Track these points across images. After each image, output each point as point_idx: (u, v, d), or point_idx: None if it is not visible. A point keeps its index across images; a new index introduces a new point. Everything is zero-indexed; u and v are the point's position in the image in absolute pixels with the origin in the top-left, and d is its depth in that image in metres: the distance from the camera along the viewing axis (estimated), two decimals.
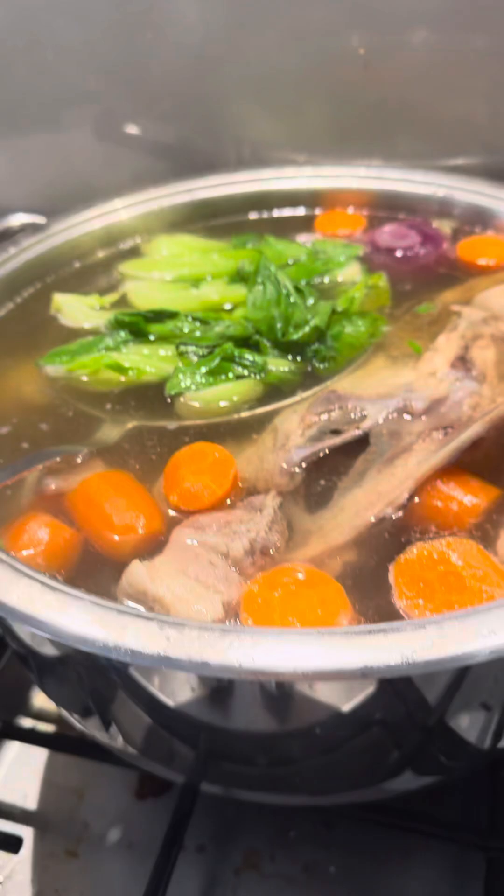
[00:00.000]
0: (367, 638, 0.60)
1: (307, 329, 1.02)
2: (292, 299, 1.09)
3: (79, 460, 0.90)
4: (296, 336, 1.02)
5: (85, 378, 1.03)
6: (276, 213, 1.39)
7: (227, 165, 1.43)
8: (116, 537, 0.80)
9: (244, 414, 0.96)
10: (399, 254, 1.24)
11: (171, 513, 0.83)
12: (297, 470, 0.86)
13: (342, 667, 0.59)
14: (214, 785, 0.92)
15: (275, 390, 1.00)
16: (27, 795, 1.25)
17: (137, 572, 0.73)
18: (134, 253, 1.32)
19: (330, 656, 0.60)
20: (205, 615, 0.69)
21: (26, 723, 1.29)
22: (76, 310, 1.14)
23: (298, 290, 1.11)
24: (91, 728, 0.92)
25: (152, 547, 0.80)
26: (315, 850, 1.00)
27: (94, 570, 0.79)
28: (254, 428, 0.95)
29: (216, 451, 0.86)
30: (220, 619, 0.70)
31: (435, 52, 1.31)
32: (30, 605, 0.65)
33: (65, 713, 1.01)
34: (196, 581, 0.73)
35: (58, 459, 0.88)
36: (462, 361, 0.99)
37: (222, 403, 0.97)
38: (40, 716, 1.25)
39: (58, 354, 1.06)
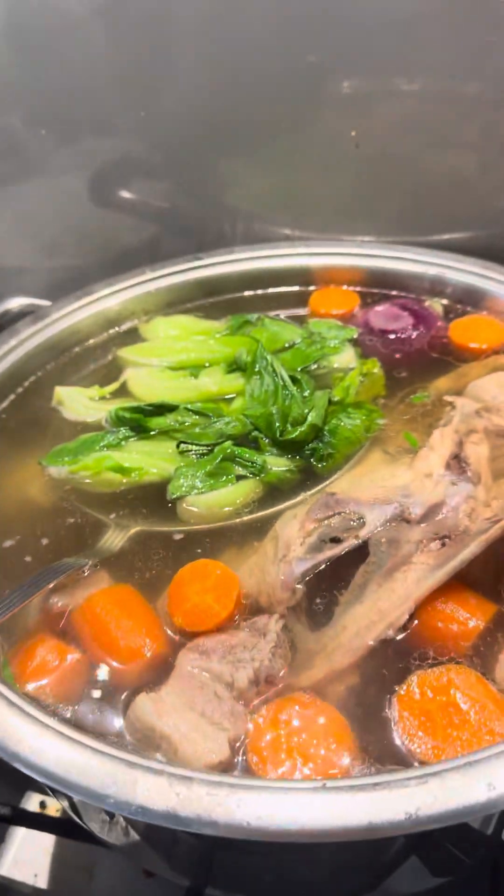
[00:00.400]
0: (372, 794, 0.62)
1: (304, 427, 1.04)
2: (288, 392, 1.11)
3: (84, 573, 0.92)
4: (293, 435, 1.04)
5: (88, 479, 1.04)
6: (271, 290, 1.41)
7: (223, 242, 1.44)
8: (123, 663, 0.81)
9: (245, 518, 0.98)
10: (392, 336, 1.26)
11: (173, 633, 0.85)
12: (298, 585, 0.88)
13: (347, 824, 0.61)
14: (218, 890, 0.94)
15: (275, 490, 1.02)
16: (38, 875, 1.27)
17: (145, 708, 0.75)
18: (132, 335, 1.34)
19: (335, 814, 0.61)
20: (212, 758, 0.71)
21: (34, 801, 1.31)
22: (78, 403, 1.15)
23: (295, 380, 1.13)
24: (100, 833, 0.94)
25: (158, 670, 0.81)
26: None
27: (101, 696, 0.80)
28: (256, 531, 0.97)
29: (218, 568, 0.88)
30: (227, 759, 0.71)
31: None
32: (40, 757, 0.67)
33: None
34: (202, 717, 0.75)
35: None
36: (457, 460, 1.00)
37: (225, 508, 0.99)
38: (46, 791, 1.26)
39: (60, 454, 1.08)
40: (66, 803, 0.96)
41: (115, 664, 0.82)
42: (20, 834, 1.28)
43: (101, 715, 0.78)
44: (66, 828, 1.19)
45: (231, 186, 1.48)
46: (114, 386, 1.20)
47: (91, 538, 0.98)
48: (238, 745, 0.73)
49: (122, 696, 0.79)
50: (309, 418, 1.06)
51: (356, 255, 1.39)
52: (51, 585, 0.88)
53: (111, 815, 0.83)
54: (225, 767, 0.71)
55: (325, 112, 1.35)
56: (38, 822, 1.20)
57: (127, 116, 1.41)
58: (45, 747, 0.68)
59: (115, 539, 0.97)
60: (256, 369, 1.15)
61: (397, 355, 1.23)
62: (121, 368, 1.26)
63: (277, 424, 1.05)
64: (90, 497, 1.04)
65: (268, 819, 0.61)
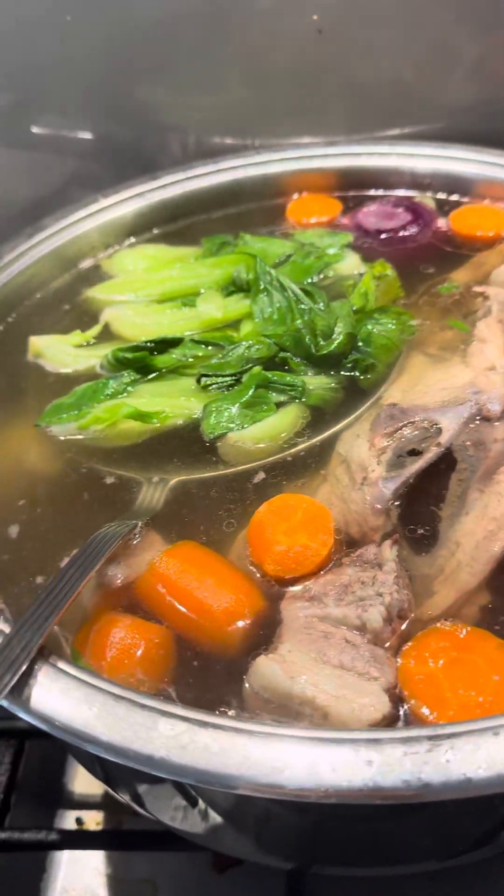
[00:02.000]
0: None
1: (341, 338, 0.91)
2: (305, 305, 0.97)
3: (135, 538, 0.76)
4: (331, 348, 0.91)
5: (101, 434, 0.88)
6: (242, 206, 1.26)
7: (174, 162, 1.27)
8: (222, 628, 0.67)
9: (301, 446, 0.85)
10: (392, 235, 1.15)
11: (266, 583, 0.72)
12: (392, 507, 0.76)
13: None
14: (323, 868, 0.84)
15: (320, 412, 0.89)
16: None
17: (271, 672, 0.62)
18: (95, 273, 1.16)
19: None
20: (375, 714, 0.59)
21: (69, 819, 1.15)
22: (61, 352, 0.98)
23: (307, 293, 1.00)
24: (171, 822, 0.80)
25: (260, 630, 0.68)
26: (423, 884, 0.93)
27: (200, 674, 0.66)
28: (313, 462, 0.84)
29: (303, 502, 0.75)
30: (391, 712, 0.59)
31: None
32: (190, 756, 0.53)
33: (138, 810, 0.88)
34: (342, 669, 0.63)
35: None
36: None
37: (274, 441, 0.85)
38: (83, 804, 1.11)
39: (57, 411, 0.91)
40: (126, 797, 0.81)
41: (210, 629, 0.68)
42: (63, 858, 1.12)
43: (205, 691, 0.64)
44: (114, 839, 1.05)
45: (172, 105, 1.32)
46: (96, 329, 1.03)
47: (122, 501, 0.82)
48: (393, 691, 0.61)
49: (227, 667, 0.66)
50: (339, 328, 0.93)
51: (328, 157, 1.26)
52: (104, 559, 0.72)
53: (192, 801, 0.70)
54: (389, 722, 0.59)
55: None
56: (83, 839, 1.05)
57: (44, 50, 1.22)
58: (184, 736, 0.53)
59: (153, 496, 0.82)
60: (261, 287, 1.01)
61: (402, 254, 1.12)
62: (94, 311, 1.08)
63: (308, 340, 0.92)
64: (107, 454, 0.87)
65: (494, 766, 0.50)
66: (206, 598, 0.68)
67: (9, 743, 1.04)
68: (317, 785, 0.51)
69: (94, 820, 1.14)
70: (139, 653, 0.65)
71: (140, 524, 0.77)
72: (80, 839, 1.04)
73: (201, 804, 0.69)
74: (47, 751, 1.11)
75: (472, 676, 0.61)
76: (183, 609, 0.69)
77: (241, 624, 0.67)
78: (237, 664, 0.66)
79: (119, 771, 0.72)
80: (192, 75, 1.31)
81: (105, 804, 1.08)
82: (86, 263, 1.17)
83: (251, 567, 0.73)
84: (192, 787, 0.64)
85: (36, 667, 0.59)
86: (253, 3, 1.23)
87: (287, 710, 0.61)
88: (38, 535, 0.80)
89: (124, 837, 1.04)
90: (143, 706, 0.56)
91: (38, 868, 1.05)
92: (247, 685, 0.63)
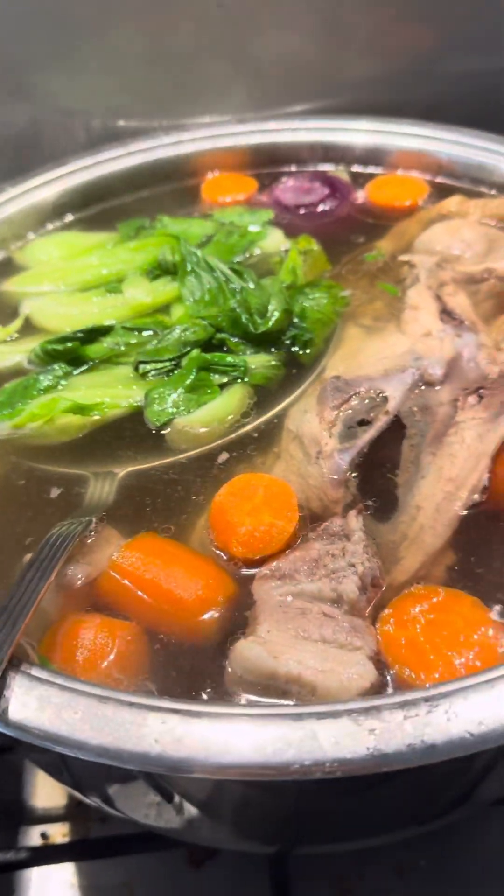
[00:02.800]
0: None
1: (278, 314, 0.90)
2: (235, 285, 0.96)
3: (91, 535, 0.73)
4: (269, 325, 0.90)
5: (39, 431, 0.84)
6: (155, 189, 1.22)
7: (80, 148, 1.23)
8: (195, 616, 0.65)
9: (248, 427, 0.84)
10: (311, 210, 1.14)
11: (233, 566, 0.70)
12: (350, 478, 0.76)
13: None
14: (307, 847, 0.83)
15: (264, 391, 0.88)
16: None
17: (254, 654, 0.60)
18: (9, 266, 1.10)
19: None
20: (362, 682, 0.58)
21: (34, 834, 1.11)
22: None
23: (236, 272, 0.98)
24: (158, 822, 0.78)
25: (234, 614, 0.67)
26: (396, 851, 0.94)
27: (177, 666, 0.64)
28: (263, 440, 0.83)
29: (264, 480, 0.74)
30: (377, 679, 0.59)
31: None
32: (187, 748, 0.51)
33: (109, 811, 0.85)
34: (325, 643, 0.62)
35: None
36: (446, 314, 0.92)
37: (221, 422, 0.83)
38: (46, 817, 1.07)
39: None
40: (97, 800, 0.78)
41: (182, 620, 0.66)
42: (33, 875, 1.08)
43: (191, 682, 0.62)
44: (84, 849, 1.02)
45: (71, 89, 1.27)
46: (17, 322, 0.98)
47: (70, 499, 0.79)
48: (377, 659, 0.61)
49: (205, 655, 0.64)
50: (272, 306, 0.92)
51: (239, 134, 1.24)
52: (62, 560, 0.68)
53: (168, 796, 0.68)
54: (377, 690, 0.59)
55: None
56: (52, 854, 1.01)
57: None
58: (176, 728, 0.51)
59: (102, 490, 0.79)
60: (189, 268, 0.99)
61: (324, 227, 1.12)
62: (11, 305, 1.03)
63: (245, 319, 0.91)
64: (48, 451, 0.83)
65: (495, 719, 0.50)
66: (175, 588, 0.66)
67: None
68: (322, 759, 0.50)
69: (59, 832, 1.09)
70: (113, 652, 0.62)
71: (94, 520, 0.74)
72: (49, 854, 1.00)
73: (177, 798, 0.67)
74: (2, 767, 1.06)
75: (452, 636, 0.61)
76: (152, 602, 0.66)
77: (214, 610, 0.66)
78: (214, 651, 0.64)
79: (91, 774, 0.70)
80: (89, 58, 1.26)
81: (69, 815, 1.04)
82: None
83: (217, 552, 0.71)
84: (168, 780, 0.62)
85: (8, 678, 0.56)
86: None
87: (272, 691, 0.60)
88: None
89: (94, 846, 1.01)
90: (130, 704, 0.53)
91: (6, 890, 1.01)
92: (229, 670, 0.62)
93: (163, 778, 0.63)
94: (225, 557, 0.71)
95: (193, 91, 1.30)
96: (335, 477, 0.76)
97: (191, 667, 0.63)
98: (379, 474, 0.78)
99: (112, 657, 0.62)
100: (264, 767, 0.50)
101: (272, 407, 0.86)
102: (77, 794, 0.82)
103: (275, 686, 0.60)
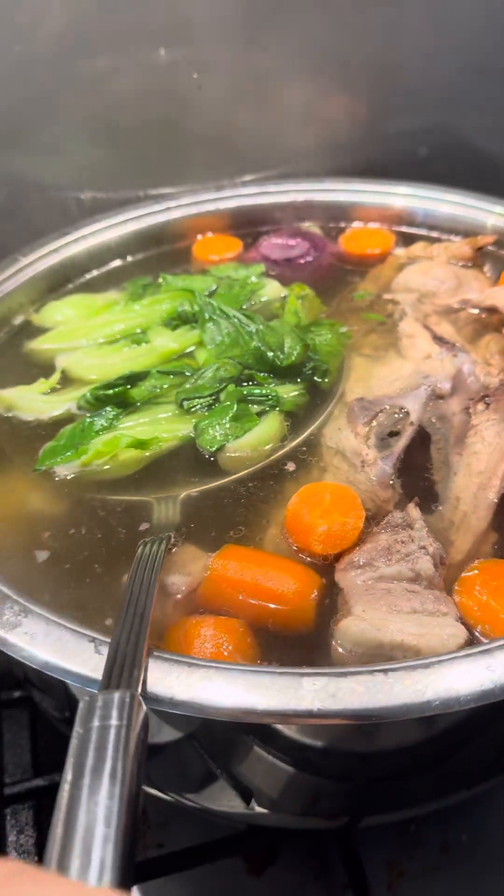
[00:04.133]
0: None
1: (298, 349, 1.03)
2: (251, 328, 1.08)
3: (173, 549, 0.81)
4: (292, 359, 1.02)
5: (105, 467, 0.92)
6: (149, 252, 1.34)
7: (68, 221, 1.33)
8: (296, 607, 0.74)
9: (289, 447, 0.94)
10: (296, 262, 1.28)
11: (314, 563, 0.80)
12: (394, 480, 0.88)
13: None
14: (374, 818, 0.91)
15: (294, 416, 0.99)
16: None
17: (360, 629, 0.70)
18: (30, 328, 1.18)
19: None
20: (458, 639, 0.69)
21: None
22: (34, 401, 1.00)
23: (248, 317, 1.10)
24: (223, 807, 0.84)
25: (325, 601, 0.76)
26: (441, 830, 1.02)
27: (287, 652, 0.72)
28: (303, 457, 0.94)
29: (328, 487, 0.84)
30: (468, 636, 0.70)
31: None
32: (343, 701, 0.59)
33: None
34: (417, 613, 0.72)
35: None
36: (438, 339, 1.07)
37: (267, 446, 0.94)
38: None
39: (52, 453, 0.93)
40: (175, 794, 0.84)
41: (284, 613, 0.74)
42: None
43: (303, 664, 0.71)
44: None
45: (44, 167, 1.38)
46: (56, 376, 1.06)
47: (136, 526, 0.87)
48: (462, 621, 0.72)
49: (307, 640, 0.73)
50: (288, 342, 1.05)
51: (219, 200, 1.38)
52: (160, 569, 0.76)
53: (240, 784, 0.75)
54: (469, 645, 0.70)
55: None
56: None
57: None
58: (336, 689, 0.60)
59: (168, 512, 0.87)
60: (207, 317, 1.10)
61: (310, 276, 1.26)
62: (41, 362, 1.11)
63: (271, 355, 1.02)
64: (115, 484, 0.91)
65: None
66: (273, 585, 0.75)
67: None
68: (458, 696, 0.60)
69: None
70: (233, 642, 0.71)
71: (173, 535, 0.82)
72: None
73: (256, 777, 0.75)
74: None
75: None
76: (255, 600, 0.75)
77: (311, 599, 0.75)
78: (315, 635, 0.73)
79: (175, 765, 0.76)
80: (58, 138, 1.38)
81: None
82: (17, 320, 1.19)
83: (297, 553, 0.81)
84: (262, 747, 0.70)
85: (164, 668, 0.63)
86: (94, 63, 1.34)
87: (377, 660, 0.69)
88: (79, 566, 0.82)
89: (144, 867, 0.99)
90: (282, 673, 0.61)
91: None
92: (338, 648, 0.71)
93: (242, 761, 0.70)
94: (307, 556, 0.80)
95: (156, 166, 1.44)
96: (380, 479, 0.87)
97: (299, 652, 0.72)
98: (417, 476, 0.90)
99: (231, 647, 0.71)
100: (422, 705, 0.59)
101: (306, 428, 0.97)
102: (155, 792, 0.87)
103: (381, 654, 0.69)
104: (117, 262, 1.32)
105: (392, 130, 1.56)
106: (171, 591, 0.77)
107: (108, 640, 0.64)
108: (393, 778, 0.81)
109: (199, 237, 1.37)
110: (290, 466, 0.92)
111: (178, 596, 0.77)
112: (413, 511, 0.81)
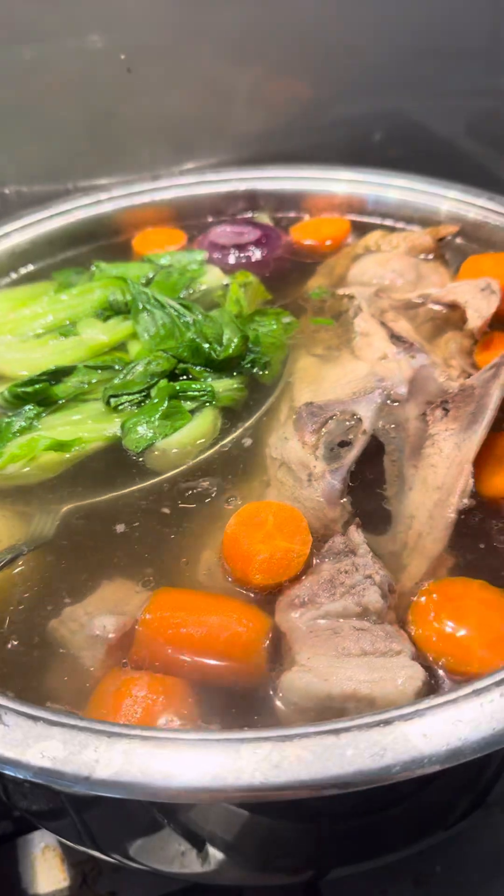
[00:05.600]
0: None
1: (236, 341, 0.93)
2: (188, 318, 0.98)
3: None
4: (230, 352, 0.93)
5: (24, 471, 0.81)
6: (84, 248, 1.23)
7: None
8: (245, 662, 0.65)
9: (224, 442, 0.86)
10: (246, 250, 1.18)
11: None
12: (344, 499, 0.79)
13: None
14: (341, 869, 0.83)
15: (231, 412, 0.91)
16: None
17: (305, 682, 0.61)
18: None
19: None
20: (415, 683, 0.60)
21: None
22: None
23: (185, 306, 1.00)
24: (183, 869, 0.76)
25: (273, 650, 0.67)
26: (413, 861, 0.96)
27: (227, 707, 0.63)
28: (241, 456, 0.86)
29: (271, 507, 0.75)
30: (426, 677, 0.62)
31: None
32: (287, 772, 0.50)
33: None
34: (367, 656, 0.64)
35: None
36: (394, 338, 0.99)
37: (198, 442, 0.86)
38: None
39: None
40: (118, 856, 0.75)
41: (228, 669, 0.65)
42: None
43: (244, 721, 0.62)
44: None
45: None
46: None
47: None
48: (418, 658, 0.64)
49: (248, 692, 0.64)
50: (227, 334, 0.95)
51: (157, 190, 1.27)
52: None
53: (196, 840, 0.67)
54: (430, 688, 0.62)
55: None
56: None
57: None
58: (280, 758, 0.51)
59: (44, 525, 0.78)
60: (140, 307, 0.99)
61: (258, 266, 1.16)
62: None
63: (207, 348, 0.93)
64: (31, 490, 0.81)
65: None
66: (219, 638, 0.65)
67: None
68: (419, 757, 0.51)
69: None
70: (168, 705, 0.61)
71: (25, 551, 0.73)
72: None
73: (205, 837, 0.66)
74: None
75: (484, 620, 0.65)
76: (197, 658, 0.65)
77: (262, 649, 0.65)
78: (260, 687, 0.64)
79: (115, 829, 0.68)
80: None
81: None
82: None
83: (230, 582, 0.72)
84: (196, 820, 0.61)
85: (80, 739, 0.53)
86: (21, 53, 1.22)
87: (330, 713, 0.61)
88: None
89: None
90: (219, 740, 0.52)
91: None
92: (280, 705, 0.62)
93: (190, 820, 0.62)
94: (243, 588, 0.71)
95: (90, 155, 1.32)
96: (328, 496, 0.78)
97: (242, 707, 0.63)
98: (368, 491, 0.81)
99: (166, 710, 0.61)
100: (370, 774, 0.50)
101: (243, 424, 0.89)
102: (98, 854, 0.77)
103: (331, 707, 0.61)
104: (45, 262, 1.20)
105: (343, 115, 1.46)
106: (99, 634, 0.66)
107: None
108: (361, 826, 0.73)
109: (140, 231, 1.26)
110: (227, 467, 0.84)
111: (110, 641, 0.66)
112: (355, 535, 0.73)
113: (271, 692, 0.63)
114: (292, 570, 0.70)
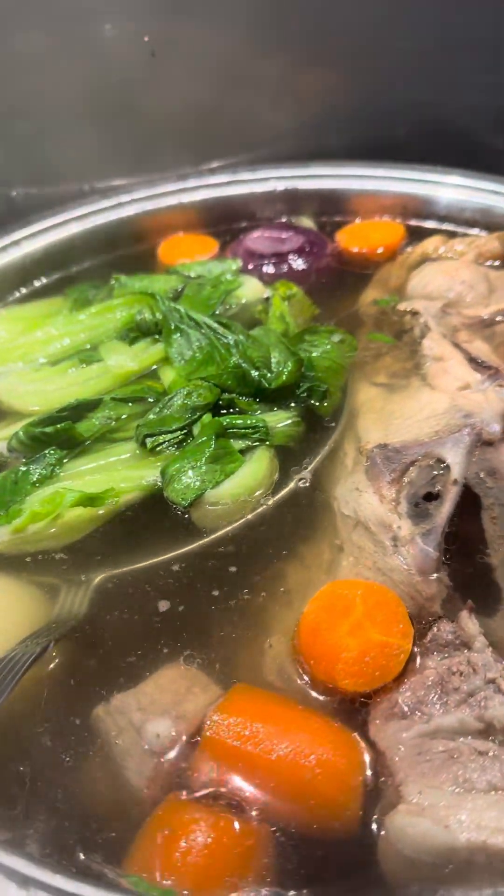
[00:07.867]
0: None
1: (289, 366, 0.78)
2: (228, 339, 0.82)
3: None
4: (282, 379, 0.77)
5: (43, 532, 0.66)
6: (101, 258, 1.07)
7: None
8: (336, 802, 0.50)
9: (282, 495, 0.71)
10: (286, 259, 1.03)
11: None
12: (441, 573, 0.64)
13: None
14: None
15: (288, 452, 0.76)
16: None
17: (422, 831, 0.47)
18: None
19: None
20: None
21: None
22: None
23: (224, 325, 0.85)
24: None
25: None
26: None
27: (312, 864, 0.48)
28: (307, 513, 0.71)
29: (358, 587, 0.59)
30: None
31: None
32: None
33: None
34: (498, 791, 0.49)
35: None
36: (474, 363, 0.84)
37: (255, 493, 0.71)
38: None
39: None
40: None
41: (312, 811, 0.50)
42: None
43: (334, 880, 0.47)
44: None
45: None
46: None
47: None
48: None
49: (345, 842, 0.49)
50: (275, 357, 0.80)
51: (181, 192, 1.12)
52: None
53: None
54: None
55: None
56: None
57: None
58: None
59: (73, 601, 0.63)
60: (173, 327, 0.84)
61: (302, 277, 1.01)
62: None
63: (256, 375, 0.78)
64: (58, 557, 0.67)
65: None
66: (302, 774, 0.50)
67: None
68: None
69: None
70: (229, 859, 0.46)
71: (52, 642, 0.58)
72: None
73: None
74: None
75: None
76: (277, 796, 0.50)
77: (356, 786, 0.50)
78: (355, 834, 0.49)
79: None
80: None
81: None
82: None
83: (305, 684, 0.56)
84: None
85: None
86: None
87: (454, 868, 0.46)
88: None
89: None
90: None
91: None
92: (396, 851, 0.47)
93: None
94: (324, 693, 0.56)
95: (117, 152, 1.16)
96: (422, 567, 0.63)
97: (329, 863, 0.48)
98: (467, 557, 0.66)
99: (224, 865, 0.46)
100: None
101: (300, 469, 0.74)
102: None
103: (456, 860, 0.46)
104: (59, 274, 1.06)
105: (381, 108, 1.31)
106: (153, 745, 0.51)
107: None
108: None
109: (165, 238, 1.11)
110: (286, 526, 0.69)
111: (163, 755, 0.51)
112: (468, 623, 0.58)
113: (371, 836, 0.48)
114: (391, 671, 0.55)
